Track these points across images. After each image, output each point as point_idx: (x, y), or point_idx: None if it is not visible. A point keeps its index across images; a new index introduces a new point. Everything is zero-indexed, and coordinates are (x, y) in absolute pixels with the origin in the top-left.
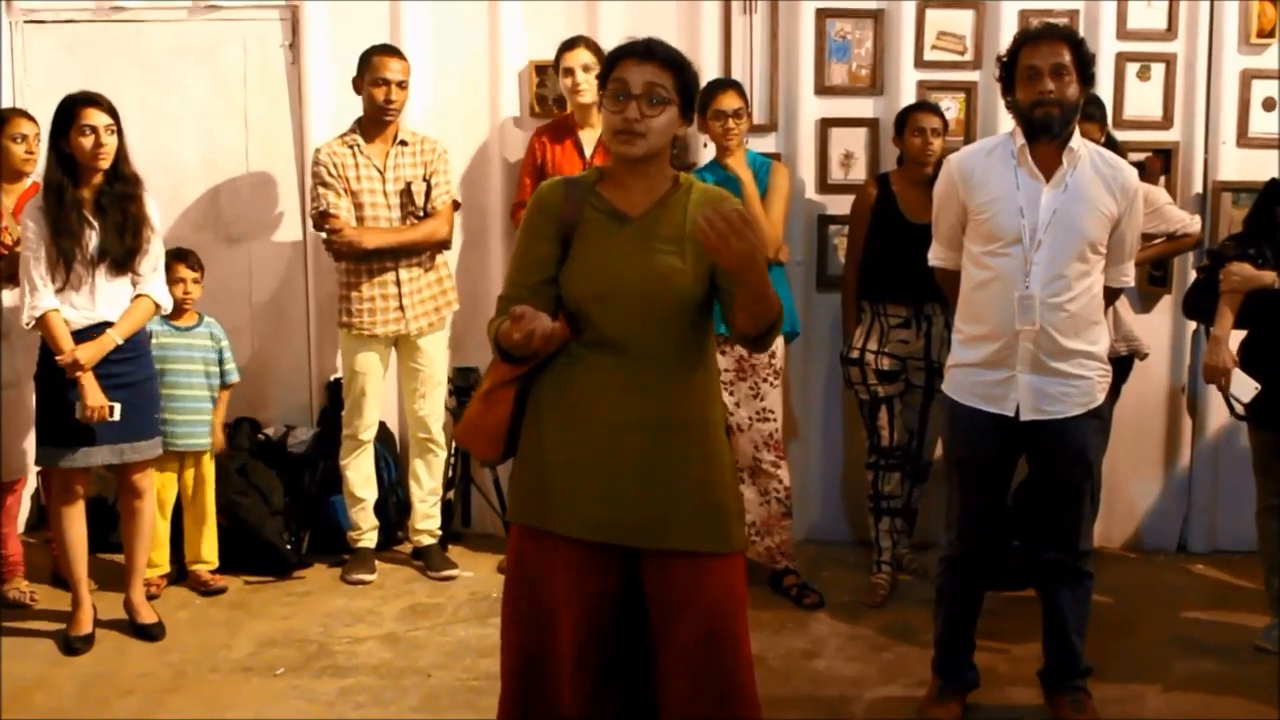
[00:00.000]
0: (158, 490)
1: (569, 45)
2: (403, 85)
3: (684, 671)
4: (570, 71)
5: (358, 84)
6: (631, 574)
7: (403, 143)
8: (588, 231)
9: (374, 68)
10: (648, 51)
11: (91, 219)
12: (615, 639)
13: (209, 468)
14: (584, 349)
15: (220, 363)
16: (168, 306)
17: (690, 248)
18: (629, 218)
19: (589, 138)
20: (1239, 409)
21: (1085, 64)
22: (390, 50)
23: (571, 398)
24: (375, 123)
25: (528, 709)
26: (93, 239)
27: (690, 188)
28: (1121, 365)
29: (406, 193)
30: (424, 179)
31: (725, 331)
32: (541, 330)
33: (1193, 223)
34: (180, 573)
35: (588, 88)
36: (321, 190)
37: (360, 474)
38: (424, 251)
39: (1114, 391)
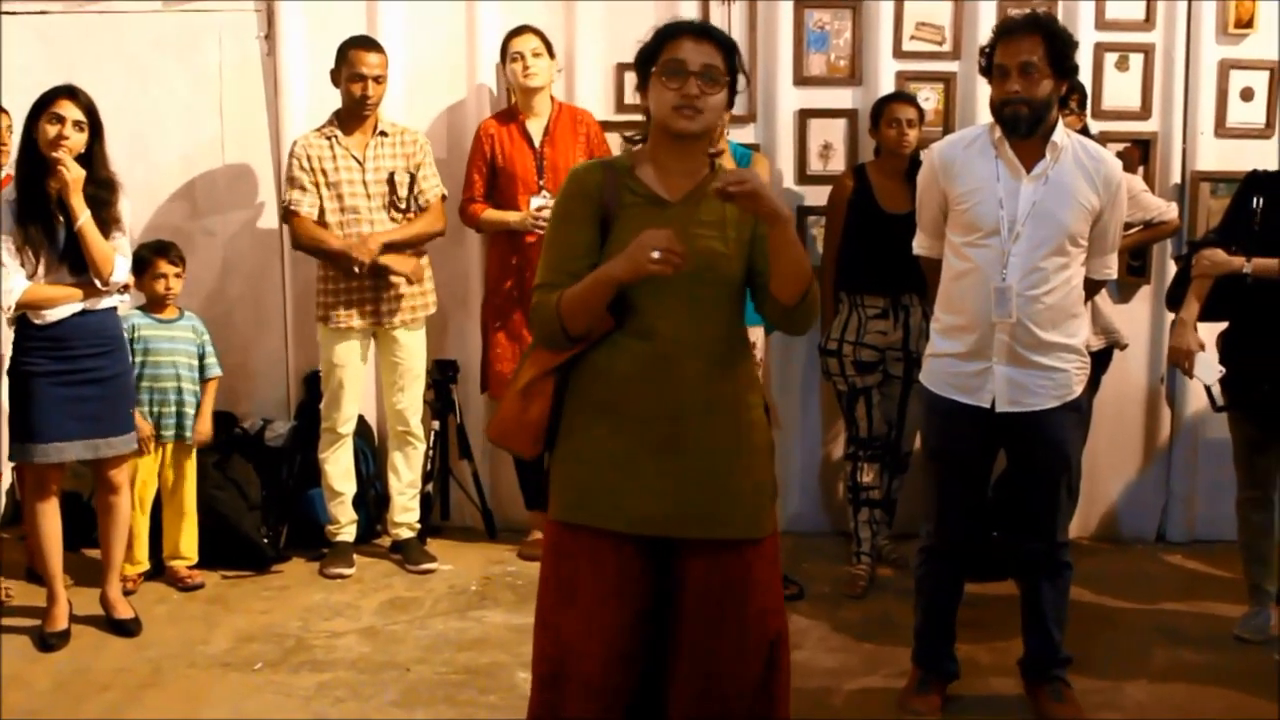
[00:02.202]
0: (139, 487)
1: (517, 32)
2: (379, 80)
3: (706, 654)
4: (519, 56)
5: (335, 76)
6: (663, 566)
7: (383, 134)
8: (627, 217)
9: (350, 62)
10: (704, 31)
11: (60, 215)
12: (649, 634)
13: (190, 462)
14: (627, 338)
15: (201, 357)
16: (119, 278)
17: (733, 231)
18: (669, 202)
19: (535, 127)
20: (1219, 400)
21: (1061, 56)
22: (367, 44)
23: (616, 389)
24: (353, 116)
25: (562, 707)
26: (61, 235)
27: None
28: (1100, 357)
29: (389, 183)
30: (407, 171)
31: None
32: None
33: (1169, 209)
34: (157, 568)
35: (537, 72)
36: (288, 187)
37: (339, 467)
38: (419, 245)
39: (1093, 383)
